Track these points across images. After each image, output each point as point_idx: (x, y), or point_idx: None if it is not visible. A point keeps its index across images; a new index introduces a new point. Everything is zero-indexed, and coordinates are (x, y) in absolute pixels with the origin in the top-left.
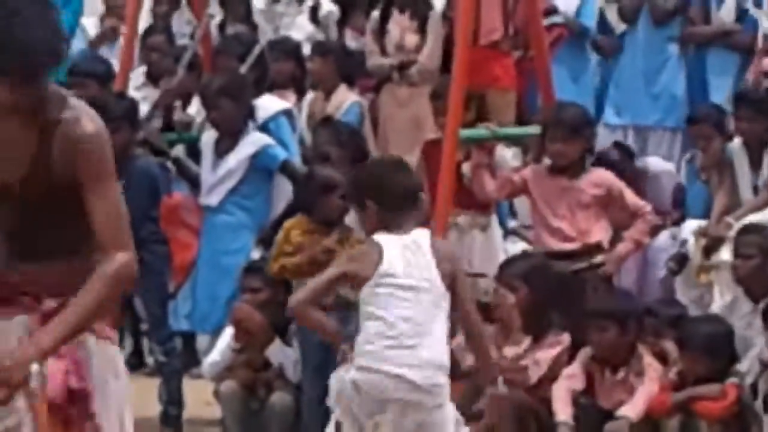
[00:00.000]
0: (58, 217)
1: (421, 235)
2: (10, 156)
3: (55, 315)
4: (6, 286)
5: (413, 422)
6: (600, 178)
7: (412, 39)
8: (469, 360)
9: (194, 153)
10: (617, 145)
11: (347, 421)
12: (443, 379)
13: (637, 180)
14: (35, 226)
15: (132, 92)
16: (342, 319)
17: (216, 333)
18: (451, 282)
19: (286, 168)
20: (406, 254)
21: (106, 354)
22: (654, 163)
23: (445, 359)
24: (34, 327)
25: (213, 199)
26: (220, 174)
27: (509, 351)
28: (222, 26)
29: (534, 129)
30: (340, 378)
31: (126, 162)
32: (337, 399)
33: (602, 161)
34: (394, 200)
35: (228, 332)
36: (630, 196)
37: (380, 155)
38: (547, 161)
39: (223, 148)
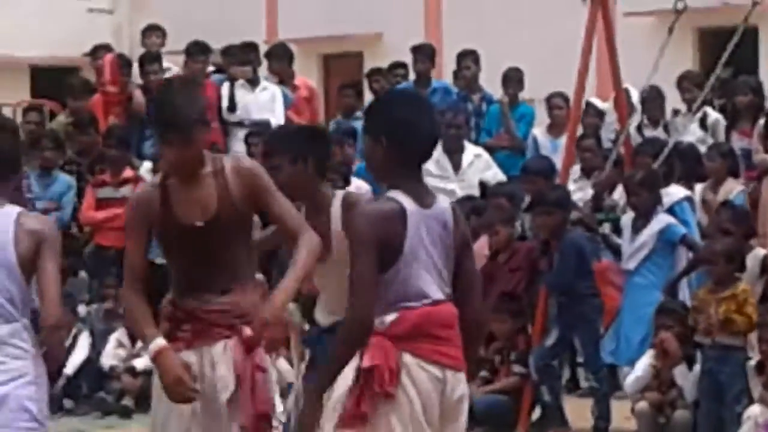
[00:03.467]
0: (231, 251)
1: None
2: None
3: (250, 341)
4: (202, 321)
5: None
6: None
7: None
8: None
9: (617, 229)
10: None
11: None
12: None
13: None
14: (214, 262)
15: (571, 185)
16: None
17: (633, 365)
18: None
19: (685, 240)
20: None
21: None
22: None
23: None
24: (237, 350)
25: (631, 264)
26: (636, 245)
27: None
28: (639, 129)
29: None
30: None
31: (561, 237)
32: None
33: None
34: None
35: (649, 353)
36: None
37: None
38: None
39: (638, 226)
